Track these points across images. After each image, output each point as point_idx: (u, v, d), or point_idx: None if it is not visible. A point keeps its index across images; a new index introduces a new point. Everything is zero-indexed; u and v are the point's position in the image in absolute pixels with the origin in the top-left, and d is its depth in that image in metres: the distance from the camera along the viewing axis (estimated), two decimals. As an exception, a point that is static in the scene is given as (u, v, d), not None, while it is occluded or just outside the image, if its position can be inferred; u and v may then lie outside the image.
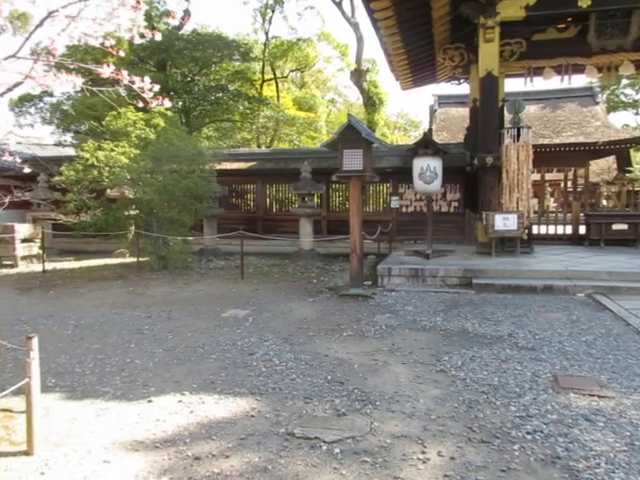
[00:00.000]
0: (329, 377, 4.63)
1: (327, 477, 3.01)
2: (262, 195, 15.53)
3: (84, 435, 3.54)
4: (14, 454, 3.23)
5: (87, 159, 10.66)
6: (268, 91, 24.72)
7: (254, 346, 5.63)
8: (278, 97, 25.02)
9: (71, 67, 3.01)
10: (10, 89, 2.86)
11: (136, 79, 3.11)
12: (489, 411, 3.87)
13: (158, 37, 3.38)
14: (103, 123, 14.26)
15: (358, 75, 24.37)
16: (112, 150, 10.71)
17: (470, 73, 12.86)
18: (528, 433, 3.49)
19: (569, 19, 11.35)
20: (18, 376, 4.46)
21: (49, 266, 11.98)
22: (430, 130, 10.93)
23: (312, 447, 3.35)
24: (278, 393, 4.29)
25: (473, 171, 11.89)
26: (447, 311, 7.11)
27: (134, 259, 12.18)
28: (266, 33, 23.96)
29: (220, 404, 4.08)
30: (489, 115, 10.98)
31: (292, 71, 26.42)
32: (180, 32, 18.42)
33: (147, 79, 3.11)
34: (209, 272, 11.23)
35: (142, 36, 2.95)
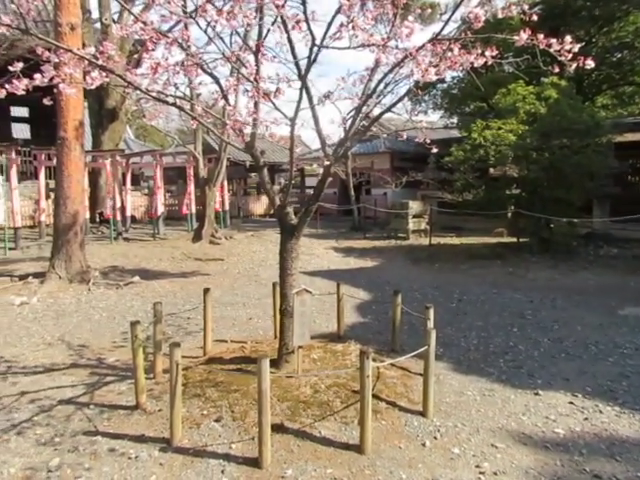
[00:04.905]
0: None
1: None
2: (674, 171, 12.62)
3: (471, 411, 3.58)
4: (411, 412, 3.53)
5: (475, 139, 10.88)
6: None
7: (666, 357, 4.58)
8: None
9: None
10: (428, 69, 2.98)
11: (553, 41, 2.77)
12: None
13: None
14: (490, 102, 14.34)
15: None
16: (499, 128, 10.59)
17: None
18: None
19: None
20: (411, 338, 4.95)
21: (434, 240, 12.99)
22: None
23: None
24: None
25: None
26: None
27: (512, 239, 11.93)
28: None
29: (623, 419, 3.44)
30: None
31: None
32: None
33: (568, 38, 2.73)
34: (598, 260, 9.90)
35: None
